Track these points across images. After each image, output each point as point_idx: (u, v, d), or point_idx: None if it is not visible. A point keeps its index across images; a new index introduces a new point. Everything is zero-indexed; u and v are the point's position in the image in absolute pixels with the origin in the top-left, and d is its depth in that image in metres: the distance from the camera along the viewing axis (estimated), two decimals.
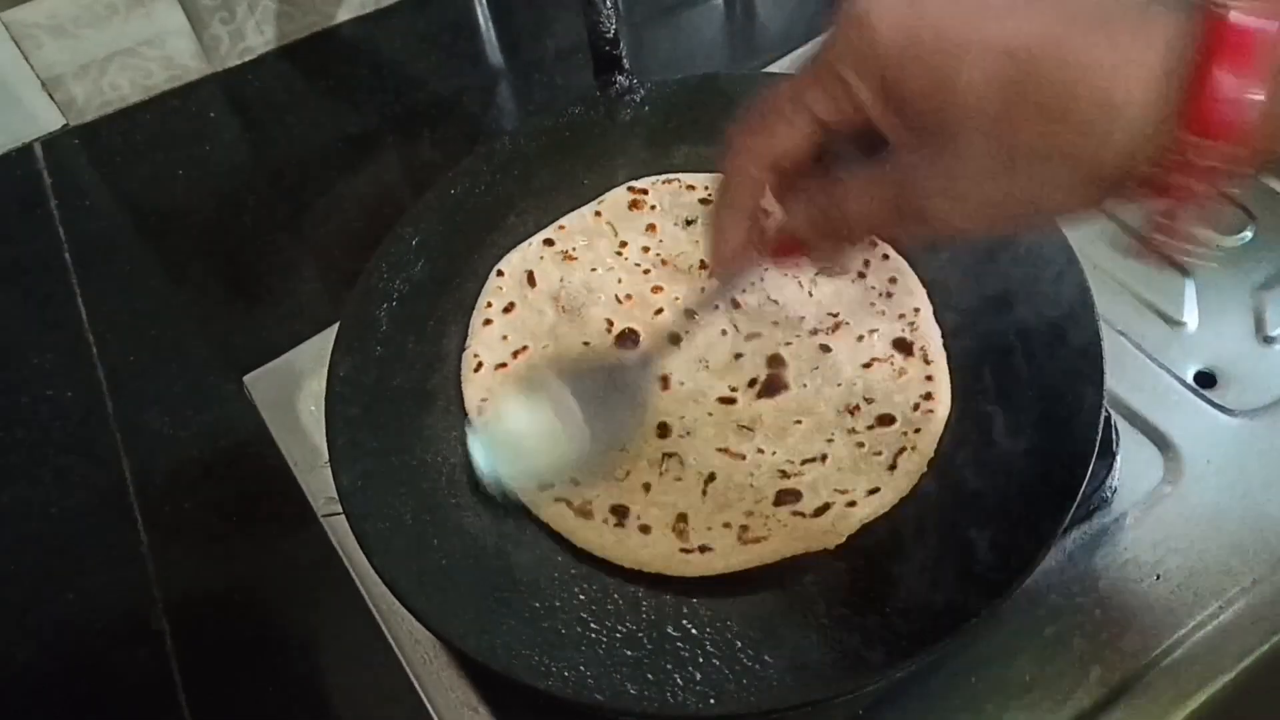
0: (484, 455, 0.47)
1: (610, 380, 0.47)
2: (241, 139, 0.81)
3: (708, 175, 0.57)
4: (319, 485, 0.55)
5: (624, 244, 0.56)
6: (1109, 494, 0.50)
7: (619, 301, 0.54)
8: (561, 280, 0.55)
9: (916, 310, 0.52)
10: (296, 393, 0.59)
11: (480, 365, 0.52)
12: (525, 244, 0.57)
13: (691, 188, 0.58)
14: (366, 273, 0.53)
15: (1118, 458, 0.50)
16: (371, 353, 0.51)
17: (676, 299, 0.54)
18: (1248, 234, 0.61)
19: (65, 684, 0.55)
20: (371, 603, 0.51)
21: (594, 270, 0.55)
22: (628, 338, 0.52)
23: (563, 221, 0.57)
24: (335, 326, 0.52)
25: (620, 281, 0.55)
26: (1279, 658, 0.46)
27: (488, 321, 0.54)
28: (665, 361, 0.51)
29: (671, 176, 0.58)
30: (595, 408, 0.46)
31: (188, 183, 0.77)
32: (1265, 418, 0.53)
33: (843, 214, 0.36)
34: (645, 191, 0.58)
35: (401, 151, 0.77)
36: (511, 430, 0.47)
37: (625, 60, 0.60)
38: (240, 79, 0.83)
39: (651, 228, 0.57)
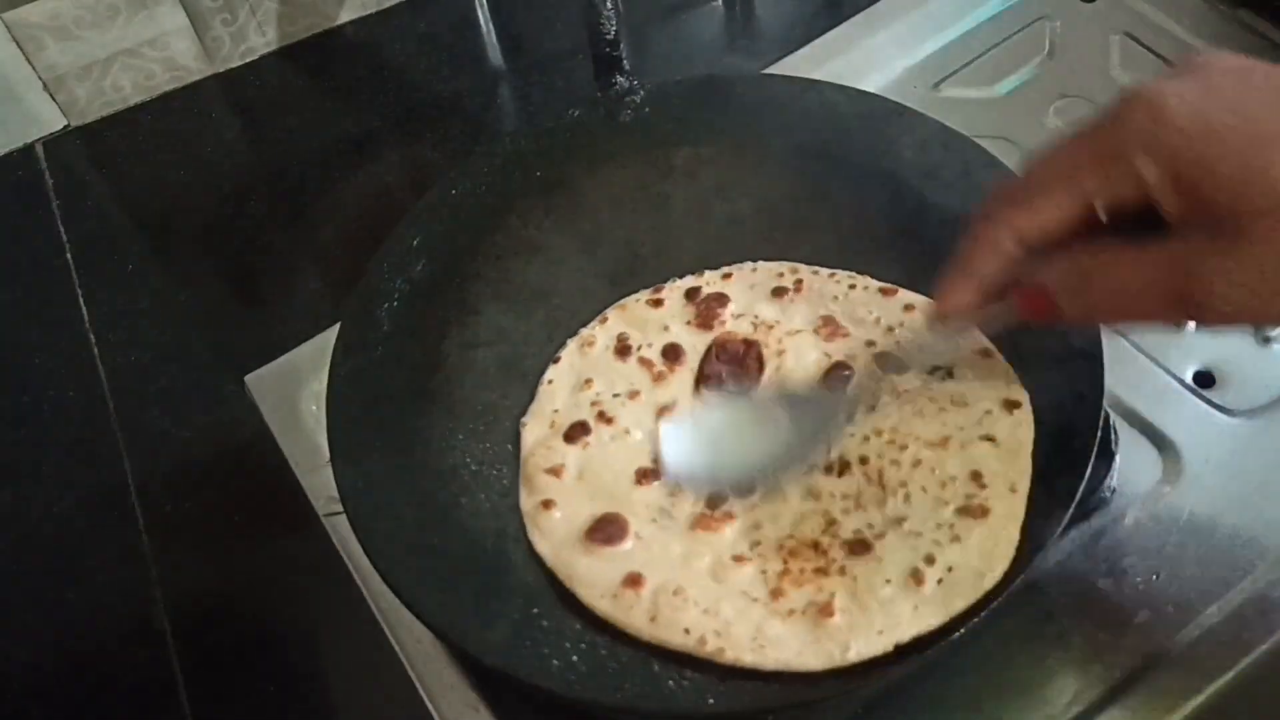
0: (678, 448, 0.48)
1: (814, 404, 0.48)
2: (243, 139, 0.81)
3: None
4: (320, 485, 0.55)
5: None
6: (1108, 494, 0.50)
7: None
8: None
9: None
10: (297, 393, 0.59)
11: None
12: None
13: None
14: (367, 273, 0.53)
15: (1116, 458, 0.50)
16: (373, 353, 0.52)
17: None
18: None
19: (66, 684, 0.55)
20: (372, 602, 0.51)
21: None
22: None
23: None
24: (336, 326, 0.52)
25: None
26: (1279, 658, 0.46)
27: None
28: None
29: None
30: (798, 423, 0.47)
31: (189, 183, 0.77)
32: (1264, 418, 0.53)
33: (1106, 286, 0.36)
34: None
35: (402, 152, 0.77)
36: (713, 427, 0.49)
37: (625, 61, 0.60)
38: (242, 80, 0.83)
39: None
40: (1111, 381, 0.44)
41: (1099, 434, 0.42)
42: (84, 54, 0.77)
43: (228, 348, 0.66)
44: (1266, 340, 0.56)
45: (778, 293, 0.55)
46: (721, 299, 0.55)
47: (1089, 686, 0.46)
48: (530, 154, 0.59)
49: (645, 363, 0.54)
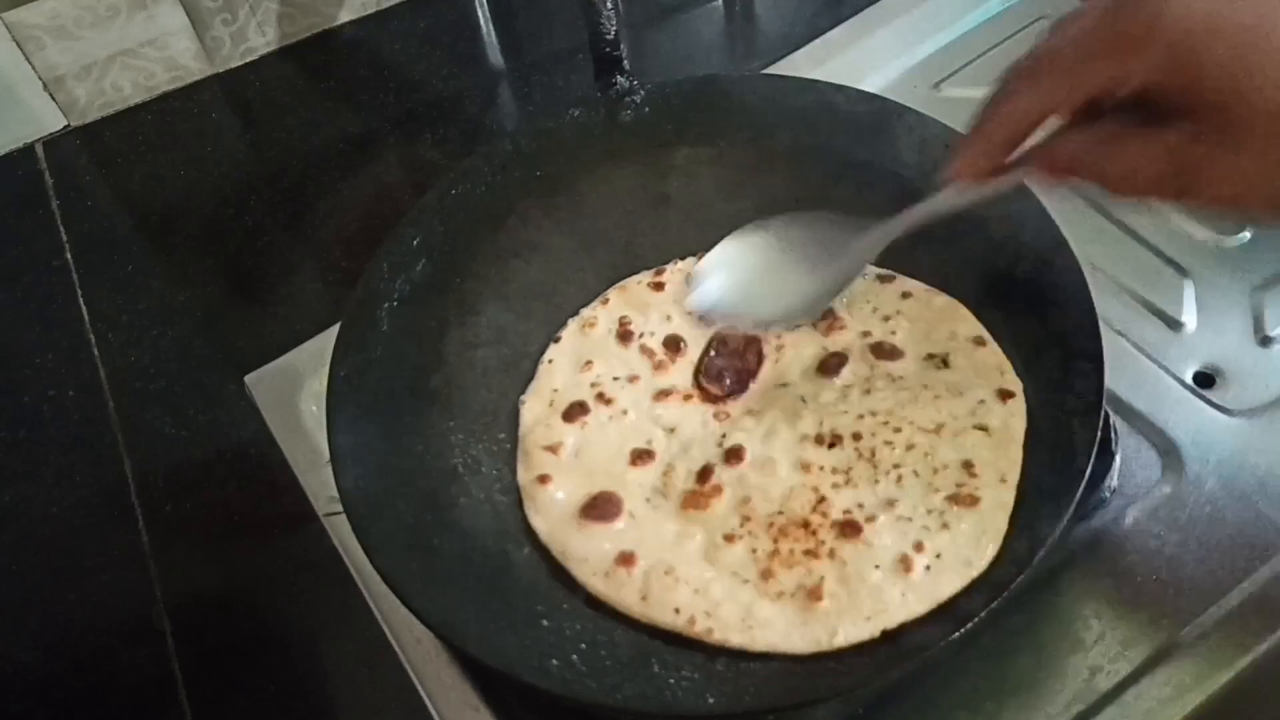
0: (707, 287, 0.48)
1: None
2: (242, 139, 0.81)
3: None
4: (320, 485, 0.55)
5: None
6: (1108, 494, 0.50)
7: None
8: None
9: None
10: (297, 393, 0.60)
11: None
12: None
13: None
14: (367, 273, 0.53)
15: (1116, 458, 0.50)
16: (373, 353, 0.51)
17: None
18: (1247, 234, 0.61)
19: (66, 684, 0.55)
20: (372, 602, 0.51)
21: None
22: None
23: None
24: (336, 326, 0.52)
25: None
26: (1279, 657, 0.46)
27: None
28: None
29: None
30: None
31: (189, 183, 0.77)
32: (1264, 418, 0.53)
33: (1115, 166, 0.37)
34: None
35: (402, 152, 0.77)
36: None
37: (626, 61, 0.60)
38: (242, 80, 0.83)
39: None
40: (1112, 381, 0.44)
41: (1099, 434, 0.42)
42: (84, 54, 0.77)
43: (228, 348, 0.66)
44: (1266, 340, 0.56)
45: None
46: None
47: (1089, 686, 0.46)
48: (530, 154, 0.59)
49: (647, 351, 0.54)
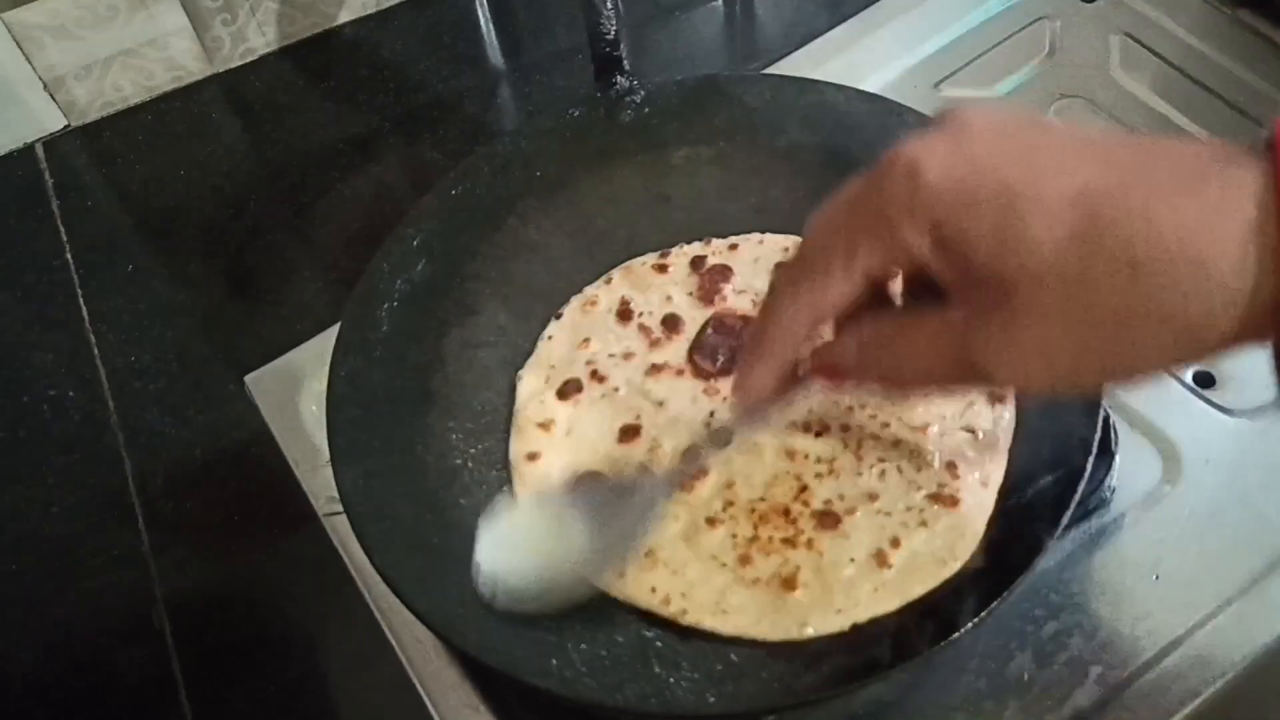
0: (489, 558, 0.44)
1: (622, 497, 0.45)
2: (242, 139, 0.81)
3: None
4: (320, 485, 0.55)
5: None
6: (1108, 494, 0.50)
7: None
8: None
9: None
10: (297, 393, 0.59)
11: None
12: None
13: None
14: (367, 273, 0.53)
15: (1116, 457, 0.50)
16: (372, 353, 0.51)
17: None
18: None
19: (66, 684, 0.55)
20: (372, 602, 0.51)
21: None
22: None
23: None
24: (336, 326, 0.52)
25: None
26: (1279, 658, 0.46)
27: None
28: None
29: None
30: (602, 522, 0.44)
31: (189, 183, 0.77)
32: (1264, 418, 0.53)
33: (898, 356, 0.35)
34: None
35: (402, 152, 0.77)
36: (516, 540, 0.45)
37: (625, 61, 0.60)
38: (242, 80, 0.83)
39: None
40: None
41: (1099, 434, 0.42)
42: (84, 54, 0.77)
43: (228, 348, 0.67)
44: None
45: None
46: (725, 272, 0.56)
47: (1089, 687, 0.46)
48: (530, 154, 0.59)
49: (644, 329, 0.55)
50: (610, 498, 0.45)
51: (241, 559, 0.58)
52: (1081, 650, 0.47)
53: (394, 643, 0.50)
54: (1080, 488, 0.41)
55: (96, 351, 0.68)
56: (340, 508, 0.46)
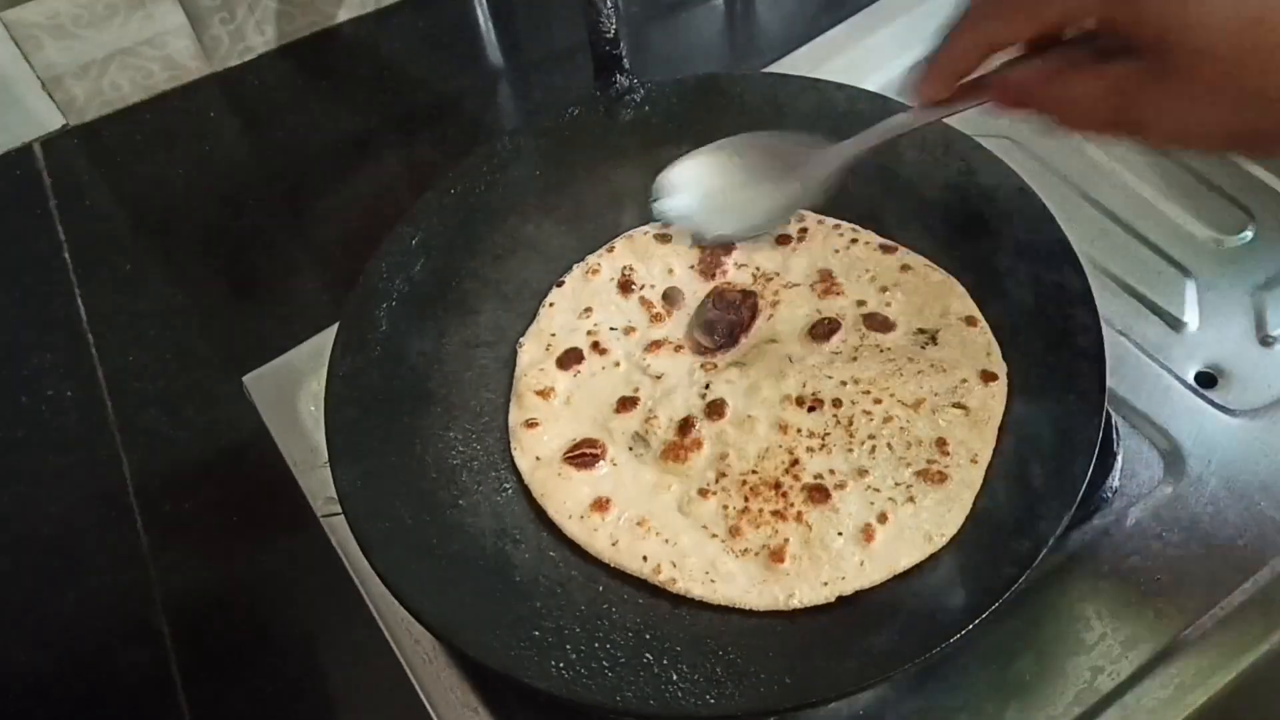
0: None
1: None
2: (241, 139, 0.81)
3: None
4: (319, 485, 0.55)
5: None
6: (1109, 494, 0.50)
7: None
8: None
9: None
10: (296, 393, 0.59)
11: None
12: None
13: None
14: (366, 273, 0.53)
15: (1118, 458, 0.50)
16: (371, 353, 0.51)
17: None
18: (1248, 234, 0.61)
19: (65, 684, 0.55)
20: (371, 603, 0.51)
21: None
22: None
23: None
24: (335, 326, 0.52)
25: None
26: (1279, 658, 0.46)
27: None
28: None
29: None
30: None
31: (188, 183, 0.77)
32: (1265, 418, 0.53)
33: (1064, 98, 0.38)
34: None
35: (401, 151, 0.77)
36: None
37: (625, 60, 0.60)
38: (240, 79, 0.83)
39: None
40: (1113, 382, 0.44)
41: (1101, 434, 0.42)
42: (82, 53, 0.77)
43: (227, 348, 0.66)
44: (1268, 340, 0.56)
45: (782, 240, 0.56)
46: (726, 245, 0.56)
47: (1091, 687, 0.46)
48: (530, 154, 0.59)
49: (645, 303, 0.55)
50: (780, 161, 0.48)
51: (240, 559, 0.58)
52: (1083, 651, 0.47)
53: (392, 643, 0.50)
54: (1082, 488, 0.41)
55: (95, 351, 0.67)
56: (339, 508, 0.46)
